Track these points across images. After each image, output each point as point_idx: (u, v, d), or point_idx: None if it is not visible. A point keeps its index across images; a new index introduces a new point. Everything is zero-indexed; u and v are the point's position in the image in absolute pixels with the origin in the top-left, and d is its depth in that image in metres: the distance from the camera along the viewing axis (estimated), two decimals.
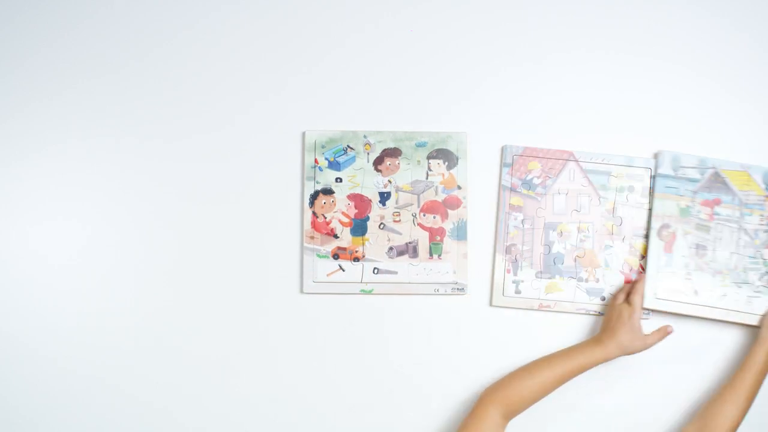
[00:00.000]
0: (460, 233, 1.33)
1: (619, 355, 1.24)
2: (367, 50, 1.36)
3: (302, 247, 1.33)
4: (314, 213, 1.33)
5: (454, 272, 1.33)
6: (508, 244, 1.33)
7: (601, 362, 1.24)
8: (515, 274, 1.33)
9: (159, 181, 1.35)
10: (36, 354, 1.32)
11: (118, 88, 1.36)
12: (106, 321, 1.33)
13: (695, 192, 1.32)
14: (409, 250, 1.33)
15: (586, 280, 1.33)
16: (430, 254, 1.33)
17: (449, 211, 1.34)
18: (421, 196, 1.34)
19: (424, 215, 1.34)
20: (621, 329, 1.24)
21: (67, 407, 1.32)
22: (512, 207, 1.33)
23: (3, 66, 1.35)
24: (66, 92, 1.35)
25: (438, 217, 1.34)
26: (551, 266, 1.33)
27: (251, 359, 1.33)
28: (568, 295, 1.33)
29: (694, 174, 1.32)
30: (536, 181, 1.33)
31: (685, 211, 1.32)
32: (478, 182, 1.34)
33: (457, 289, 1.33)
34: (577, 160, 1.34)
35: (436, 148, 1.34)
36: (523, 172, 1.34)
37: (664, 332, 1.27)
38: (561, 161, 1.34)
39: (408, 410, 1.33)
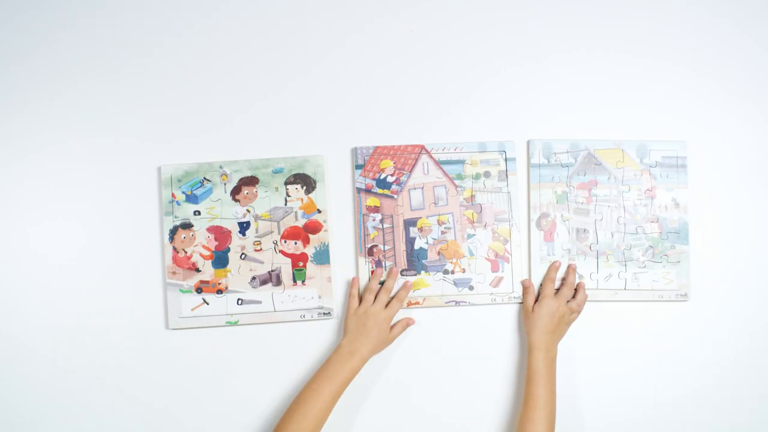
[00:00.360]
0: (323, 257, 1.33)
1: (372, 356, 1.25)
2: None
3: (165, 283, 1.32)
4: (174, 248, 1.33)
5: (320, 297, 1.32)
6: (369, 246, 1.33)
7: (359, 368, 1.23)
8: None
9: (158, 180, 1.34)
10: (36, 354, 1.32)
11: (118, 88, 1.36)
12: (106, 321, 1.33)
13: (570, 177, 1.33)
14: (273, 278, 1.33)
15: (452, 272, 1.32)
16: (294, 280, 1.32)
17: (310, 236, 1.33)
18: (281, 222, 1.33)
19: (285, 242, 1.33)
20: (374, 330, 1.25)
21: (67, 407, 1.32)
22: (369, 208, 1.33)
23: (3, 66, 1.35)
24: (66, 92, 1.35)
25: (299, 243, 1.33)
26: (415, 262, 1.33)
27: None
28: (436, 289, 1.32)
29: (567, 159, 1.33)
30: (390, 179, 1.33)
31: (562, 198, 1.32)
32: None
33: (324, 313, 1.32)
34: (429, 152, 1.33)
35: (293, 173, 1.33)
36: (376, 171, 1.33)
37: (405, 324, 1.29)
38: (413, 156, 1.33)
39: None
